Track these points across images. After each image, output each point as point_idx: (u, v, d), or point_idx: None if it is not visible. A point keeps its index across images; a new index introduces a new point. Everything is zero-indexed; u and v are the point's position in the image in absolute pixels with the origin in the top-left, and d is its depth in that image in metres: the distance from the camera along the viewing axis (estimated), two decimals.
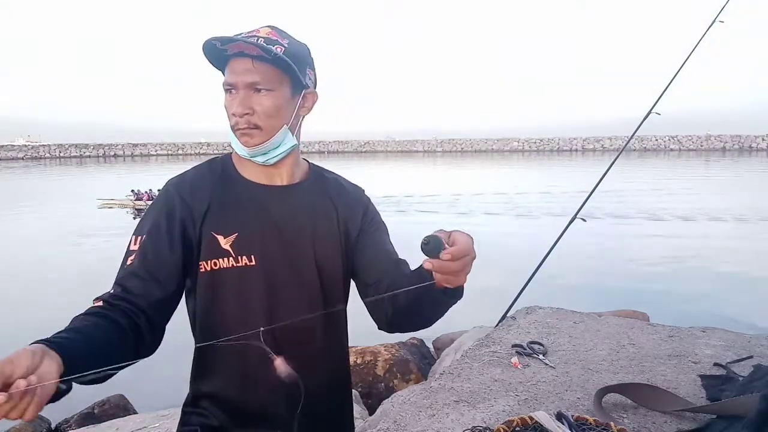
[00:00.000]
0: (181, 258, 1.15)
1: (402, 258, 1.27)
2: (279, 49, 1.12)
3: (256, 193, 1.23)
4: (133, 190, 24.78)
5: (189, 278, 1.19)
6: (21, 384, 0.74)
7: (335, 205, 1.29)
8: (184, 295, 1.21)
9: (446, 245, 0.89)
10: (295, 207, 1.24)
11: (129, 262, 1.12)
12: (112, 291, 1.08)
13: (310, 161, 1.36)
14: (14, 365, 0.76)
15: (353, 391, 3.67)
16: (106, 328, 0.99)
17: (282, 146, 1.20)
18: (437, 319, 1.13)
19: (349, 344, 1.31)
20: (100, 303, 1.05)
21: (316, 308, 1.22)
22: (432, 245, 0.87)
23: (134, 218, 21.32)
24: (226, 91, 1.17)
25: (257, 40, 1.12)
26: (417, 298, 1.04)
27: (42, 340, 0.86)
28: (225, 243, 1.17)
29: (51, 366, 0.80)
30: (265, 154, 1.19)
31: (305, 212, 1.25)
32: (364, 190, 1.39)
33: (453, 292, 1.00)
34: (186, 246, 1.16)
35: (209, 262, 1.16)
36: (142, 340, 1.06)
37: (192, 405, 1.25)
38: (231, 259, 1.17)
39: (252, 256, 1.18)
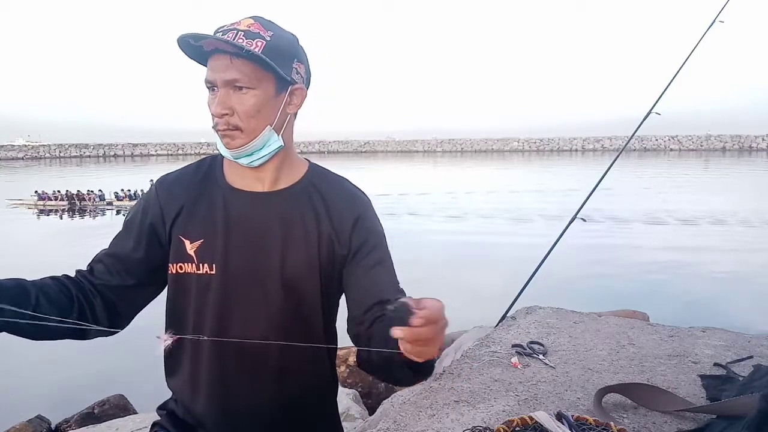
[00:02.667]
0: (145, 257, 1.18)
1: (400, 290, 1.15)
2: (259, 44, 1.06)
3: (230, 200, 1.17)
4: (36, 191, 24.94)
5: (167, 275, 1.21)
6: None
7: (318, 217, 1.16)
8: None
9: (414, 310, 0.79)
10: (268, 217, 1.15)
11: (107, 246, 1.22)
12: (86, 267, 1.20)
13: (312, 162, 1.26)
14: None
15: (353, 391, 3.66)
16: (54, 290, 1.08)
17: (266, 148, 1.13)
18: (406, 385, 1.09)
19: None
20: (68, 275, 1.17)
21: (278, 326, 1.15)
22: (399, 310, 0.79)
23: (38, 218, 21.34)
24: (208, 88, 1.11)
25: (236, 33, 1.05)
26: (387, 362, 0.97)
27: None
28: (190, 248, 1.15)
29: None
30: (249, 155, 1.13)
31: (278, 223, 1.15)
32: (363, 199, 1.23)
33: (420, 368, 0.93)
34: (154, 246, 1.19)
35: (176, 265, 1.16)
36: (95, 315, 1.14)
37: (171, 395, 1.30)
38: (194, 265, 1.15)
39: (213, 265, 1.14)
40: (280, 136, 1.15)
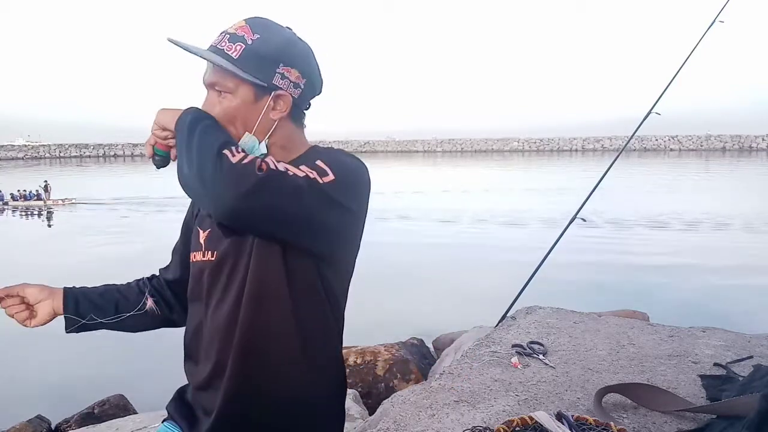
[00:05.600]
0: (185, 250, 1.29)
1: None
2: (238, 48, 1.06)
3: None
4: None
5: None
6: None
7: None
8: None
9: None
10: None
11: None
12: (165, 265, 1.39)
13: (314, 146, 1.22)
14: (25, 291, 1.23)
15: (353, 391, 3.66)
16: (134, 293, 1.33)
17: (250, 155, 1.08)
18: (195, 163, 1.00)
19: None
20: (153, 275, 1.39)
21: (243, 309, 1.13)
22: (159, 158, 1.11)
23: None
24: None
25: (223, 37, 1.09)
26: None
27: (72, 287, 1.29)
28: (202, 237, 1.21)
29: (47, 306, 1.24)
30: None
31: None
32: (351, 160, 1.15)
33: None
34: (190, 239, 1.27)
35: (193, 254, 1.23)
36: (170, 306, 1.35)
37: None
38: (202, 253, 1.20)
39: (215, 252, 1.17)
40: (264, 142, 1.13)
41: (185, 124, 1.04)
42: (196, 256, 1.21)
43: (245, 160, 0.96)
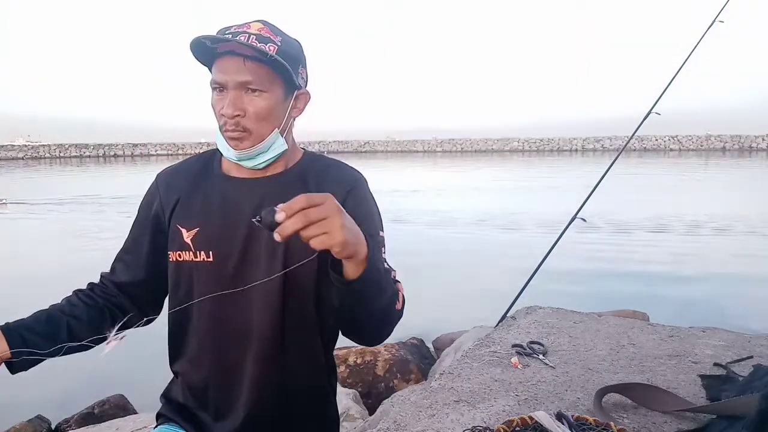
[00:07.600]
0: (153, 248, 1.24)
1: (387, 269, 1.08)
2: (272, 48, 1.07)
3: (226, 188, 1.19)
4: None
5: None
6: None
7: None
8: None
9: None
10: (262, 201, 1.13)
11: (122, 245, 1.29)
12: (108, 270, 1.29)
13: (307, 150, 1.27)
14: None
15: (353, 391, 3.66)
16: (81, 308, 1.20)
17: (271, 151, 1.14)
18: (370, 321, 1.02)
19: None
20: (93, 283, 1.27)
21: (271, 310, 1.14)
22: (264, 218, 0.82)
23: None
24: (214, 89, 1.12)
25: (248, 38, 1.07)
26: (334, 295, 0.98)
27: (7, 323, 1.11)
28: (187, 236, 1.18)
29: None
30: (252, 158, 1.14)
31: (274, 204, 1.15)
32: (355, 176, 1.21)
33: (352, 276, 0.93)
34: (159, 236, 1.23)
35: (175, 253, 1.20)
36: (125, 312, 1.23)
37: (173, 379, 1.32)
38: (191, 253, 1.17)
39: (210, 252, 1.16)
40: (283, 138, 1.16)
41: (378, 270, 0.98)
42: (182, 256, 1.18)
43: (400, 304, 1.08)
